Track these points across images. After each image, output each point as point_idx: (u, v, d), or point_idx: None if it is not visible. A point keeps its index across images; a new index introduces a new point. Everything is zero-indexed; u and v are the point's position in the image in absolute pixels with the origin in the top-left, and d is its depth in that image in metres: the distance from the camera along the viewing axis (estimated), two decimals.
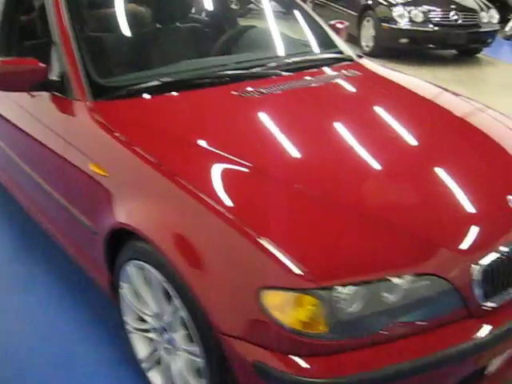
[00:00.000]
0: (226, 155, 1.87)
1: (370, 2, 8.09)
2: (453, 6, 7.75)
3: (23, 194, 2.91)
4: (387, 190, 1.83)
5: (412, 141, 2.11)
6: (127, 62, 2.59)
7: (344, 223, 1.65)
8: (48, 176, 2.43)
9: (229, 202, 1.66)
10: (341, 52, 2.87)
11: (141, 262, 1.84)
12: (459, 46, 7.95)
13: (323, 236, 1.59)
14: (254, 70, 2.45)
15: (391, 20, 7.71)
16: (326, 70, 2.64)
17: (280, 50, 2.81)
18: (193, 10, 3.47)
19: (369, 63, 2.88)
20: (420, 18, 7.65)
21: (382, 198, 1.78)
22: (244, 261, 1.53)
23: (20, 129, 2.62)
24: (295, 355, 1.47)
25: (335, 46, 2.94)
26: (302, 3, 3.24)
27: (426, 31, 7.64)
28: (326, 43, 2.95)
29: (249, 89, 2.27)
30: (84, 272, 2.47)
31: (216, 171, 1.83)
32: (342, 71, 2.61)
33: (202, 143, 1.97)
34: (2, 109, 2.85)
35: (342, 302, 1.45)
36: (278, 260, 1.48)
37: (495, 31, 8.04)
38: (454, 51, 8.34)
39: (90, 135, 2.08)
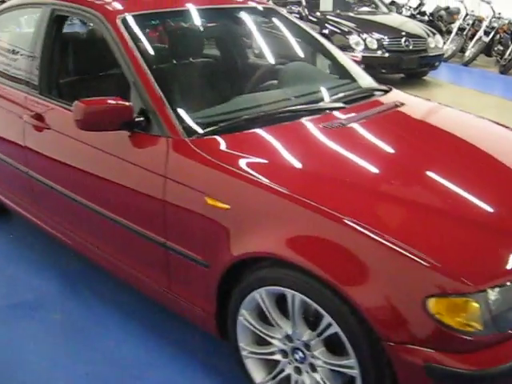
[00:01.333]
0: (350, 180, 2.05)
1: (325, 32, 8.52)
2: (403, 33, 8.31)
3: (76, 232, 2.91)
4: (495, 200, 2.07)
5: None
6: (205, 97, 2.71)
7: (475, 234, 1.87)
8: (130, 212, 2.48)
9: (377, 222, 1.82)
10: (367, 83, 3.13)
11: (277, 288, 1.95)
12: (410, 69, 8.51)
13: (465, 246, 1.81)
14: (328, 105, 2.65)
15: (348, 47, 8.15)
16: (380, 100, 2.88)
17: (333, 82, 3.03)
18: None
19: (401, 93, 3.15)
20: (375, 45, 8.14)
21: (493, 210, 2.02)
22: (407, 274, 1.70)
23: (86, 169, 2.66)
24: (461, 353, 1.66)
25: (364, 78, 3.20)
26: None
27: (381, 57, 8.13)
28: (359, 75, 3.20)
29: (335, 121, 2.46)
30: (166, 308, 2.55)
31: (349, 195, 2.01)
32: (394, 101, 2.84)
33: (321, 170, 2.16)
34: (50, 149, 2.87)
35: (492, 302, 1.66)
36: (441, 270, 1.67)
37: (442, 55, 8.68)
38: (401, 74, 8.91)
39: (199, 171, 2.16)
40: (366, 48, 8.11)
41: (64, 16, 3.06)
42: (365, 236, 1.77)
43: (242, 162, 2.13)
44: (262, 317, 2.09)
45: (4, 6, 3.54)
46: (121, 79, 3.30)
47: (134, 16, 2.72)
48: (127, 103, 2.33)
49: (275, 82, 3.12)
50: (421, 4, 12.35)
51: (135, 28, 2.64)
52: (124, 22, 2.63)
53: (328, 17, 8.87)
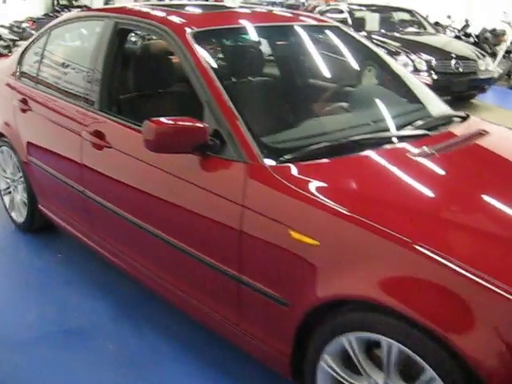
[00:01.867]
0: (450, 217, 1.84)
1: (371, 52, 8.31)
2: (453, 55, 8.09)
3: (134, 257, 2.76)
4: None
5: None
6: (280, 118, 2.54)
7: None
8: (199, 241, 2.31)
9: (486, 266, 1.61)
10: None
11: (371, 335, 1.75)
12: (459, 92, 8.25)
13: None
14: (411, 132, 2.45)
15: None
16: (462, 127, 2.67)
17: (408, 108, 2.83)
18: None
19: (478, 119, 2.93)
20: (424, 67, 7.92)
21: None
22: None
23: (150, 192, 2.51)
24: None
25: (439, 104, 3.00)
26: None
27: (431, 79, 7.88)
28: (433, 101, 2.99)
29: (421, 149, 2.25)
30: (230, 342, 2.37)
31: (452, 234, 1.80)
32: (476, 129, 2.63)
33: (417, 205, 1.95)
34: (110, 169, 2.73)
35: None
36: None
37: (492, 78, 8.41)
38: (447, 97, 8.65)
39: (283, 202, 1.97)
40: (415, 69, 7.89)
41: (127, 30, 2.94)
42: (475, 282, 1.57)
43: (332, 194, 1.94)
44: (348, 363, 1.89)
45: (61, 18, 3.44)
46: (185, 96, 3.17)
47: (204, 31, 2.59)
48: (202, 124, 2.17)
49: (344, 104, 2.94)
50: (466, 25, 12.11)
51: (209, 44, 2.49)
52: (195, 37, 2.49)
53: (374, 36, 8.68)
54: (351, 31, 3.47)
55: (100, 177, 2.78)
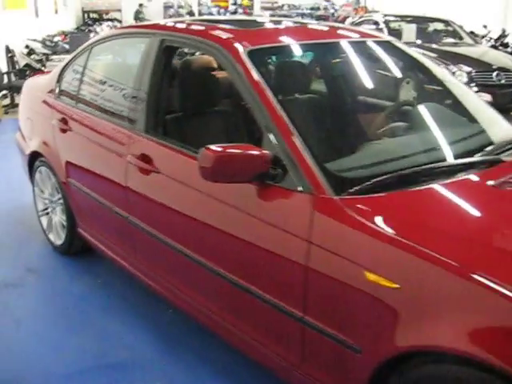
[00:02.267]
0: None
1: (409, 64, 8.10)
2: (494, 67, 7.81)
3: (181, 288, 2.59)
4: None
5: None
6: (342, 143, 2.36)
7: None
8: (258, 277, 2.14)
9: None
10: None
11: None
12: (502, 105, 7.94)
13: None
14: (485, 158, 2.24)
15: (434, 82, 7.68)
16: None
17: (473, 129, 2.62)
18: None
19: None
20: (464, 79, 7.66)
21: None
22: None
23: (202, 221, 2.35)
24: None
25: (504, 124, 2.77)
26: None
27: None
28: (498, 121, 2.77)
29: (502, 178, 2.04)
30: None
31: None
32: None
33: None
34: (159, 195, 2.58)
35: None
36: None
37: None
38: None
39: (357, 239, 1.79)
40: None
41: (175, 47, 2.80)
42: None
43: (413, 231, 1.75)
44: None
45: (103, 35, 3.32)
46: (235, 116, 3.02)
47: (259, 50, 2.43)
48: (263, 152, 2.00)
49: (404, 124, 2.74)
50: (503, 35, 11.78)
51: (263, 63, 2.32)
52: (249, 55, 2.32)
53: (412, 48, 8.43)
54: (404, 46, 3.28)
55: (147, 203, 2.63)
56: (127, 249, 2.94)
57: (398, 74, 3.12)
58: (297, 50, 2.78)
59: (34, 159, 3.79)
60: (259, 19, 3.38)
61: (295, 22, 3.39)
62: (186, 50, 4.38)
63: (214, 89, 3.00)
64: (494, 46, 11.28)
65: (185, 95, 2.89)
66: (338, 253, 1.80)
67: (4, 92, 8.26)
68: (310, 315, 1.93)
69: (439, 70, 3.19)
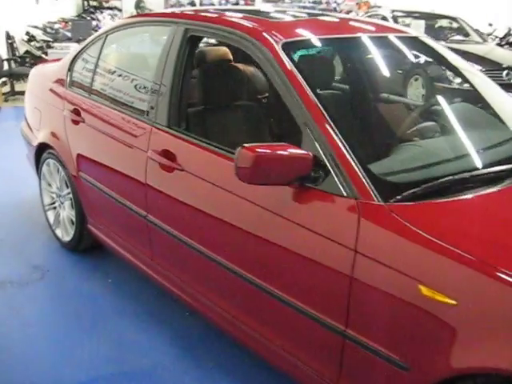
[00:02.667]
0: None
1: (419, 61, 7.96)
2: (504, 66, 7.69)
3: (204, 293, 2.46)
4: None
5: None
6: (386, 146, 2.21)
7: None
8: (293, 285, 2.00)
9: None
10: None
11: None
12: None
13: None
14: None
15: (445, 79, 7.56)
16: None
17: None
18: None
19: None
20: None
21: None
22: None
23: (230, 222, 2.20)
24: None
25: None
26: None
27: None
28: None
29: None
30: None
31: None
32: None
33: None
34: (182, 194, 2.43)
35: None
36: None
37: None
38: None
39: (410, 250, 1.65)
40: None
41: (199, 37, 2.65)
42: None
43: (471, 244, 1.62)
44: None
45: (119, 22, 3.15)
46: (260, 111, 2.88)
47: (294, 42, 2.28)
48: (307, 153, 1.86)
49: (431, 124, 2.60)
50: (508, 34, 11.66)
51: (301, 57, 2.18)
52: (285, 49, 2.18)
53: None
54: (432, 42, 3.13)
55: (169, 202, 2.48)
56: (142, 248, 2.80)
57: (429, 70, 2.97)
58: (331, 44, 2.64)
59: (41, 151, 3.63)
60: (283, 10, 3.21)
61: (319, 15, 3.25)
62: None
63: (237, 81, 2.86)
64: (499, 45, 11.16)
65: (208, 87, 2.74)
66: (388, 264, 1.67)
67: (4, 79, 8.06)
68: (352, 329, 1.80)
69: (470, 68, 3.05)
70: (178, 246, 2.47)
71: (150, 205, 2.61)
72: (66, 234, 3.55)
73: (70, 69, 3.41)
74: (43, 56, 9.14)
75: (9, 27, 8.70)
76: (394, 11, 9.61)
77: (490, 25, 12.12)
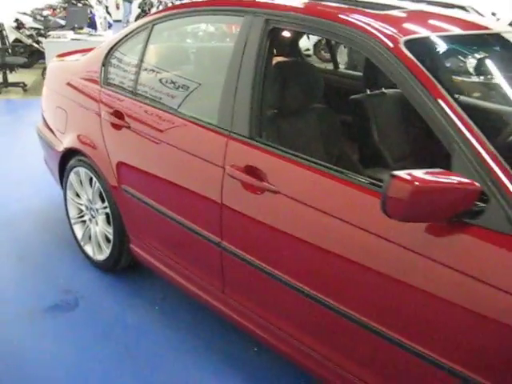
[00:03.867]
0: None
1: None
2: None
3: (289, 331, 2.08)
4: None
5: None
6: None
7: None
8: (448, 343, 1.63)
9: None
10: None
11: None
12: None
13: None
14: None
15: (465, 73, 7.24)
16: None
17: None
18: None
19: None
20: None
21: None
22: None
23: (342, 255, 1.82)
24: None
25: None
26: None
27: None
28: None
29: None
30: None
31: None
32: None
33: None
34: (276, 221, 2.04)
35: None
36: None
37: None
38: None
39: None
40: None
41: (282, 30, 2.24)
42: None
43: None
44: None
45: (168, 11, 2.69)
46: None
47: (417, 40, 1.90)
48: (472, 181, 1.48)
49: None
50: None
51: (423, 58, 1.79)
52: (409, 48, 1.79)
53: None
54: None
55: (255, 228, 2.08)
56: (210, 278, 2.39)
57: None
58: (457, 42, 2.26)
59: (67, 157, 3.18)
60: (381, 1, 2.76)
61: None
62: None
63: (315, 81, 2.47)
64: None
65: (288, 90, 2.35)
66: None
67: None
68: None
69: None
70: (265, 279, 2.07)
71: (226, 229, 2.20)
72: (99, 251, 3.13)
73: (105, 63, 2.96)
74: (34, 45, 8.57)
75: None
76: None
77: (494, 14, 11.84)
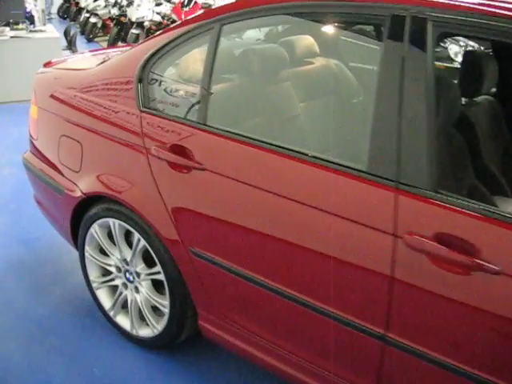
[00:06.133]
0: None
1: None
2: None
3: None
4: None
5: None
6: None
7: None
8: None
9: None
10: None
11: None
12: None
13: None
14: None
15: (446, 59, 6.88)
16: None
17: None
18: None
19: None
20: None
21: None
22: None
23: None
24: None
25: None
26: None
27: None
28: None
29: None
30: None
31: None
32: None
33: None
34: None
35: None
36: None
37: None
38: None
39: None
40: None
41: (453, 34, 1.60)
42: None
43: None
44: None
45: (239, 9, 1.96)
46: None
47: None
48: None
49: None
50: None
51: None
52: None
53: None
54: None
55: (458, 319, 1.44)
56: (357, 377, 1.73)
57: None
58: None
59: (86, 204, 2.40)
60: None
61: None
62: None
63: None
64: None
65: None
66: None
67: None
68: None
69: None
70: None
71: (396, 317, 1.54)
72: (140, 325, 2.38)
73: (143, 78, 2.19)
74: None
75: None
76: None
77: None
